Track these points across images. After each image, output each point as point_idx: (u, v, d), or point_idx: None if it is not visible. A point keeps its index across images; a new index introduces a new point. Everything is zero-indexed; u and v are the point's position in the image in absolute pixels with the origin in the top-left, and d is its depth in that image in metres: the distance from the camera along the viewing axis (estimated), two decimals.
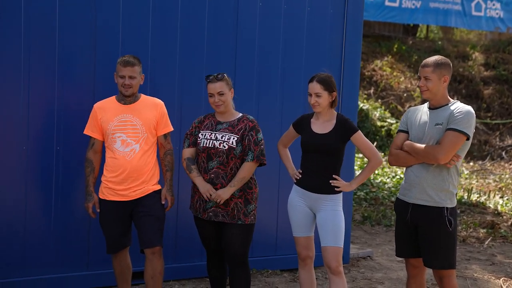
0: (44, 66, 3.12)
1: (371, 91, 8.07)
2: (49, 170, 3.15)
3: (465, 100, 7.91)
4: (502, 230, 5.43)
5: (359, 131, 2.82)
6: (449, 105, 2.64)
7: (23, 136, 3.07)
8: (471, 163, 7.89)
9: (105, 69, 3.13)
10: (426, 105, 2.79)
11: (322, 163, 2.77)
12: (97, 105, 2.89)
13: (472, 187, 6.79)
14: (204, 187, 2.75)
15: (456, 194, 2.71)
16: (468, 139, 2.57)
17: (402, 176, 6.30)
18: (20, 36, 3.03)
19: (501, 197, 6.55)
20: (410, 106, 7.07)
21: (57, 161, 3.17)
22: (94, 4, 3.21)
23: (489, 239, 5.15)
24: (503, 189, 6.83)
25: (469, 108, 2.62)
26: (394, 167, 6.62)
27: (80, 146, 2.98)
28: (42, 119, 3.13)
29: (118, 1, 3.28)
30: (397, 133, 2.86)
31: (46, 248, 3.19)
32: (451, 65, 2.73)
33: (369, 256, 4.58)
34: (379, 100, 7.80)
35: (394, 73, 8.49)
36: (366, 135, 5.59)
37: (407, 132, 2.76)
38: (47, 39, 3.10)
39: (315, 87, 2.75)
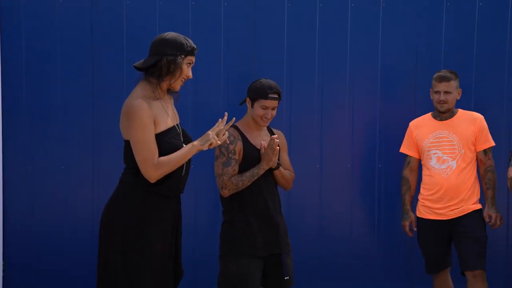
0: (366, 84, 3.33)
1: None
2: (372, 187, 3.35)
3: None
4: None
5: None
6: None
7: (349, 154, 3.34)
8: None
9: (427, 86, 3.07)
10: None
11: None
12: (412, 123, 2.95)
13: None
14: None
15: None
16: None
17: None
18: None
19: None
20: None
21: (379, 179, 3.34)
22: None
23: None
24: None
25: None
26: None
27: (399, 164, 3.05)
28: (365, 137, 3.35)
29: None
30: None
31: (371, 261, 3.34)
32: None
33: None
34: None
35: None
36: None
37: None
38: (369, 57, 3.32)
39: None
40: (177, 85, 2.04)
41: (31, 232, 3.23)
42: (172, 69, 1.95)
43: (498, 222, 2.72)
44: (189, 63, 2.04)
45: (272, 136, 2.36)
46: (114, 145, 2.82)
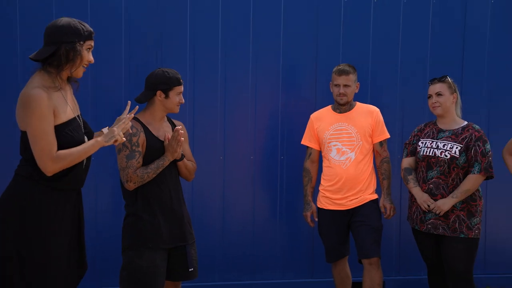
0: (269, 77, 3.37)
1: None
2: (274, 178, 3.39)
3: None
4: None
5: None
6: None
7: (252, 146, 3.36)
8: None
9: (327, 79, 3.15)
10: None
11: None
12: (313, 116, 3.00)
13: None
14: (422, 198, 2.62)
15: None
16: None
17: None
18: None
19: None
20: None
21: (281, 170, 3.39)
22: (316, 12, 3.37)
23: None
24: None
25: None
26: None
27: (301, 156, 3.09)
28: (268, 130, 3.39)
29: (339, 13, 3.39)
30: None
31: (273, 254, 3.41)
32: None
33: None
34: None
35: None
36: None
37: None
38: (271, 51, 3.36)
39: None
40: (79, 72, 1.99)
41: None
42: (71, 57, 1.89)
43: (391, 213, 2.89)
44: (89, 48, 1.99)
45: (177, 127, 2.31)
46: (7, 135, 2.82)
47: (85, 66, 2.01)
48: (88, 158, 2.05)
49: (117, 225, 2.53)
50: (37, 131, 1.81)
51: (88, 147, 1.93)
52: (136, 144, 2.27)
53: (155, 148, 2.33)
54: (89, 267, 2.17)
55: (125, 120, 2.02)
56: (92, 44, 2.01)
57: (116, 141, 1.99)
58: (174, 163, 2.38)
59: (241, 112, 3.34)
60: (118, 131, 1.98)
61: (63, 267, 1.99)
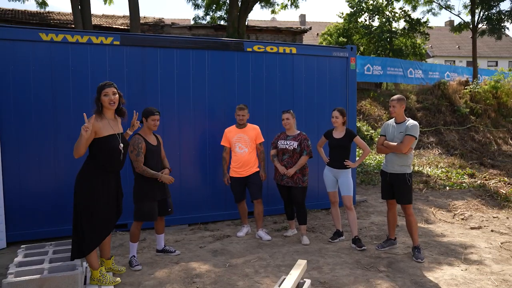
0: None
1: (361, 116, 15.11)
2: (203, 161, 6.24)
3: None
4: (431, 184, 9.22)
5: (357, 136, 5.34)
6: (406, 121, 4.93)
7: (177, 143, 6.17)
8: (414, 151, 12.36)
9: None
10: (393, 120, 5.11)
11: (339, 154, 5.33)
12: (227, 129, 5.78)
13: (415, 163, 11.50)
14: (281, 169, 5.50)
15: (411, 166, 4.94)
16: (416, 138, 4.88)
17: (379, 159, 11.22)
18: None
19: (429, 167, 10.91)
20: (381, 124, 14.01)
21: (208, 157, 6.24)
22: None
23: (425, 189, 8.89)
24: (430, 163, 11.44)
25: (416, 122, 4.84)
26: (379, 154, 11.31)
27: (219, 150, 5.93)
28: (199, 138, 6.25)
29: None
30: (379, 136, 5.23)
31: (202, 195, 6.22)
32: (405, 99, 5.06)
33: (365, 200, 7.70)
34: (365, 121, 14.69)
35: (372, 107, 15.70)
36: (362, 139, 11.67)
37: (385, 135, 5.13)
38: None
39: (336, 113, 5.32)
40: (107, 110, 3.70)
41: (28, 188, 5.33)
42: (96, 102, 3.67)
43: (264, 178, 5.77)
44: (105, 95, 3.60)
45: (169, 178, 4.53)
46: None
47: (111, 103, 3.60)
48: (124, 155, 3.67)
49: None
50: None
51: (78, 139, 3.35)
52: (140, 148, 4.30)
53: (150, 148, 4.37)
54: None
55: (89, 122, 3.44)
56: (108, 91, 3.57)
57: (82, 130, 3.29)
58: (159, 155, 4.62)
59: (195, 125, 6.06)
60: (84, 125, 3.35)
61: (108, 213, 3.56)
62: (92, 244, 3.55)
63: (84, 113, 3.52)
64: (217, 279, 4.06)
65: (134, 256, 4.43)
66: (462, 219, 6.56)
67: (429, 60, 31.33)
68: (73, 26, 11.60)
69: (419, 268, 4.37)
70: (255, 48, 6.46)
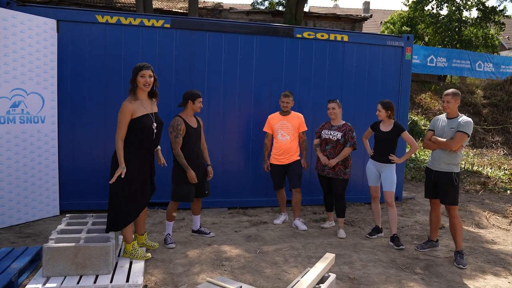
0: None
1: (419, 110, 14.14)
2: (247, 147, 6.26)
3: (472, 116, 13.91)
4: (489, 186, 8.61)
5: (406, 131, 5.06)
6: (458, 117, 4.60)
7: (221, 127, 6.20)
8: (475, 150, 12.59)
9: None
10: (444, 115, 4.78)
11: (384, 147, 5.10)
12: (270, 116, 5.74)
13: (474, 162, 10.79)
14: (323, 159, 5.36)
15: (459, 165, 4.65)
16: (468, 136, 4.53)
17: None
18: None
19: (491, 168, 10.27)
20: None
21: (252, 143, 6.25)
22: None
23: (482, 190, 8.31)
24: (491, 164, 10.77)
25: (470, 119, 4.52)
26: (426, 150, 10.69)
27: (263, 136, 5.88)
28: (245, 125, 6.28)
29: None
30: (427, 131, 4.94)
31: (243, 180, 6.27)
32: (460, 94, 4.71)
33: (413, 198, 7.32)
34: (423, 115, 13.79)
35: (432, 101, 14.78)
36: (416, 134, 11.84)
37: (433, 130, 4.82)
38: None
39: (379, 106, 5.09)
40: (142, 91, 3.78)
41: (80, 164, 5.71)
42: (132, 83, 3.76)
43: (305, 167, 5.71)
44: (142, 76, 3.70)
45: (193, 177, 4.42)
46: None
47: (146, 85, 3.69)
48: (157, 134, 3.75)
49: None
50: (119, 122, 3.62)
51: (118, 156, 3.61)
52: (180, 130, 4.30)
53: (189, 131, 4.36)
54: (158, 189, 4.20)
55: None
56: (144, 72, 3.66)
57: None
58: (199, 137, 4.61)
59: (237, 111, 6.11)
60: (119, 171, 3.55)
61: (141, 188, 3.68)
62: (125, 219, 3.70)
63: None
64: (246, 264, 4.09)
65: (169, 235, 4.57)
66: None
67: (505, 53, 28.96)
68: (135, 9, 12.04)
69: (459, 275, 4.10)
70: (305, 34, 6.31)
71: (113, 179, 3.51)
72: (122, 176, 3.55)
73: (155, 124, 3.78)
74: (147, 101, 3.81)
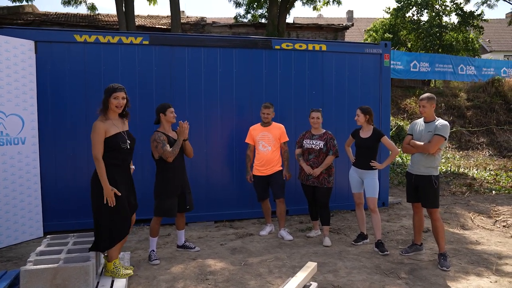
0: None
1: (405, 115, 14.38)
2: (230, 159, 6.28)
3: (456, 118, 14.45)
4: (475, 187, 8.74)
5: (385, 136, 5.11)
6: (435, 121, 4.65)
7: (203, 140, 6.21)
8: (461, 152, 12.73)
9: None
10: (422, 119, 4.83)
11: (365, 154, 5.14)
12: (252, 127, 5.77)
13: (460, 164, 11.02)
14: (307, 168, 5.37)
15: (438, 168, 4.66)
16: (445, 139, 4.60)
17: None
18: None
19: (476, 170, 10.50)
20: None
21: (235, 154, 6.27)
22: None
23: (468, 192, 8.41)
24: (477, 165, 11.00)
25: (446, 122, 4.59)
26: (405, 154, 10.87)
27: (246, 147, 5.92)
28: (230, 135, 6.29)
29: None
30: (406, 135, 4.98)
31: (228, 193, 6.27)
32: (435, 98, 4.76)
33: (399, 202, 7.36)
34: (409, 120, 13.76)
35: (417, 106, 14.02)
36: (402, 139, 11.46)
37: (411, 134, 4.87)
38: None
39: (357, 111, 5.15)
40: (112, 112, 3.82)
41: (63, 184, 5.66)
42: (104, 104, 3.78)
43: (288, 177, 5.71)
44: (115, 98, 3.74)
45: (181, 122, 4.44)
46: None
47: (118, 107, 3.73)
48: (131, 149, 3.79)
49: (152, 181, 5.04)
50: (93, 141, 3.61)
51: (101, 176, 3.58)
52: (163, 140, 4.35)
53: (170, 140, 4.43)
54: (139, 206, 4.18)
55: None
56: (118, 94, 3.70)
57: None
58: (181, 154, 4.62)
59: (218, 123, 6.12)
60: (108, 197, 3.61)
61: (126, 205, 3.64)
62: (118, 236, 3.70)
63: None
64: (230, 277, 4.07)
65: (154, 251, 4.54)
66: (504, 226, 6.12)
67: (487, 55, 29.54)
68: (118, 27, 12.10)
69: (443, 277, 4.13)
70: (284, 45, 6.40)
71: (110, 201, 3.57)
72: (119, 194, 3.60)
73: (128, 142, 3.80)
74: (117, 120, 3.86)
